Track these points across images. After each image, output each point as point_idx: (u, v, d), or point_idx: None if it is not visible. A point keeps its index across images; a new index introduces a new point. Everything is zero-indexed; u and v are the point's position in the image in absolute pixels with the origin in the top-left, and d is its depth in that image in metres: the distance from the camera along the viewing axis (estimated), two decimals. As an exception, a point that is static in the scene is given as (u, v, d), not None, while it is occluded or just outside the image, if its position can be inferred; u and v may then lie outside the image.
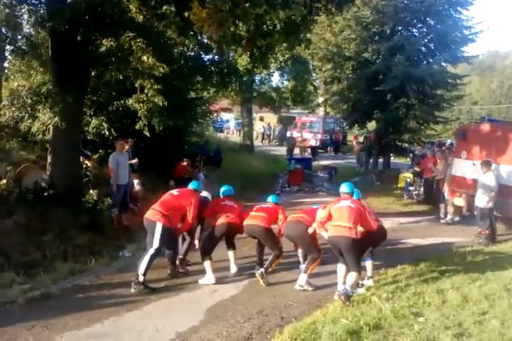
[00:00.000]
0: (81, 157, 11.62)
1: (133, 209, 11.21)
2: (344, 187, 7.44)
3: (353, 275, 6.65)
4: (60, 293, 6.94)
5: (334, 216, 6.97)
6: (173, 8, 9.22)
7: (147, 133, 12.38)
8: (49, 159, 10.83)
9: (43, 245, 8.60)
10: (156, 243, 7.14)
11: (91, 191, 10.90)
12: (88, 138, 13.19)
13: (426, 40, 20.45)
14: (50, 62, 10.71)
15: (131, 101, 12.36)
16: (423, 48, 20.52)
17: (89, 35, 10.38)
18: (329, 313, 6.09)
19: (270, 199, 8.44)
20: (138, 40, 10.12)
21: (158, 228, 7.13)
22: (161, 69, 10.29)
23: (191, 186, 8.02)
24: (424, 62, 20.90)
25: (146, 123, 12.29)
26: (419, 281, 7.28)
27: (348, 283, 6.64)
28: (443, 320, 5.67)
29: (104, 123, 13.21)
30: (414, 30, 21.27)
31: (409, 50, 19.08)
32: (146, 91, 11.77)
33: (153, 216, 7.24)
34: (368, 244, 7.33)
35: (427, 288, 6.93)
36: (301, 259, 8.09)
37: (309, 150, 28.94)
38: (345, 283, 6.75)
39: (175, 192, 7.78)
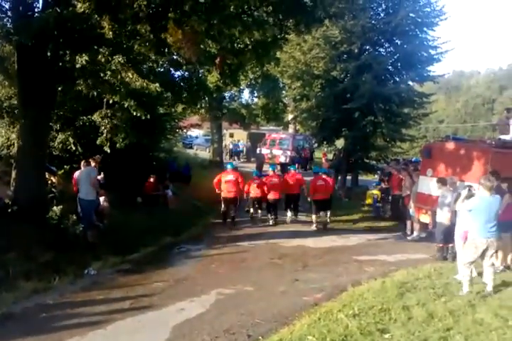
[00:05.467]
0: (46, 173, 11.41)
1: (98, 226, 11.04)
2: None
3: None
4: (22, 313, 6.78)
5: None
6: (148, 27, 9.14)
7: (107, 149, 12.23)
8: (13, 175, 10.60)
9: (6, 263, 8.35)
10: None
11: (55, 207, 10.68)
12: (54, 153, 12.99)
13: (393, 60, 20.75)
14: (15, 76, 10.55)
15: (95, 116, 12.22)
16: (390, 67, 20.80)
17: (58, 50, 10.26)
18: (296, 331, 6.06)
19: (229, 166, 10.65)
20: (116, 56, 10.02)
21: None
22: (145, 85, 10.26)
23: None
24: (391, 81, 21.24)
25: (108, 138, 12.16)
26: (385, 298, 7.30)
27: None
28: (409, 336, 5.69)
29: (70, 139, 13.03)
30: (381, 49, 21.58)
31: (377, 69, 19.35)
32: (123, 104, 11.61)
33: None
34: None
35: (393, 304, 6.95)
36: None
37: (279, 167, 29.03)
38: None
39: None
